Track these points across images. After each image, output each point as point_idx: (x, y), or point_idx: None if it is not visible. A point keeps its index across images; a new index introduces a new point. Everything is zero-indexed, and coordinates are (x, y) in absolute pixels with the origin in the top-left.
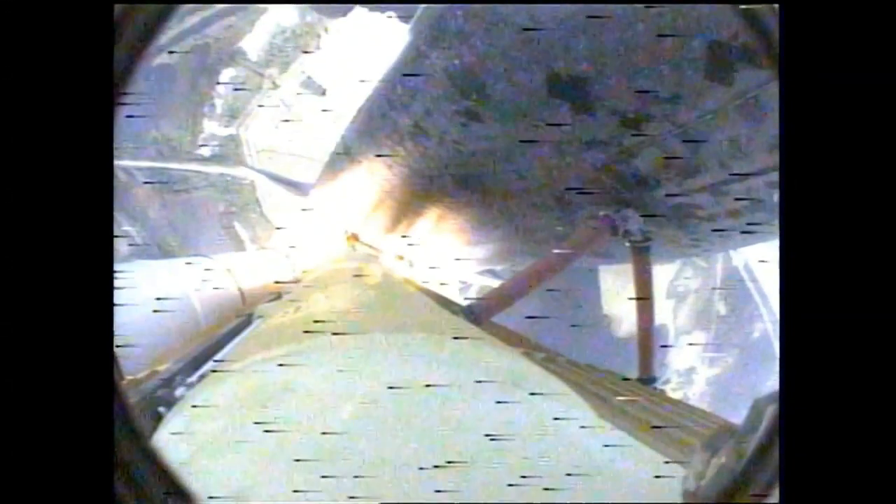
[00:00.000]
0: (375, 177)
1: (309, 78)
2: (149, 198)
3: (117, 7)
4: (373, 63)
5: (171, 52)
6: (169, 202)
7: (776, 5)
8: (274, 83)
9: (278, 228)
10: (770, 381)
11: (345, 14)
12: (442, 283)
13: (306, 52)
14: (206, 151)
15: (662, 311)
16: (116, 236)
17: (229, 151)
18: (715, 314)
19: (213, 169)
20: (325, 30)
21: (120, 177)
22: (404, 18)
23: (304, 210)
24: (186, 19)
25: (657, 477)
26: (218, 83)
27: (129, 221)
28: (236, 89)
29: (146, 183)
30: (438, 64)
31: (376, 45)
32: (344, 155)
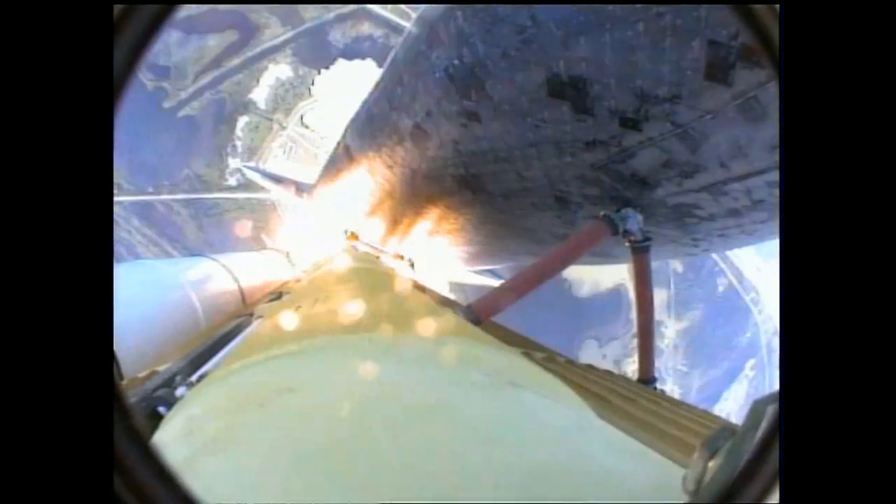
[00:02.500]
0: (375, 177)
1: (306, 122)
2: (186, 223)
3: (117, 7)
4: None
5: (193, 106)
6: (205, 225)
7: (776, 5)
8: (281, 125)
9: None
10: (747, 333)
11: (328, 66)
12: (442, 283)
13: (303, 100)
14: (232, 182)
15: (618, 271)
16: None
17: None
18: (671, 272)
19: (241, 195)
20: (312, 81)
21: (159, 209)
22: (381, 63)
23: (304, 211)
24: (201, 78)
25: (657, 477)
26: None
27: (170, 244)
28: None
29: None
30: (438, 64)
31: (357, 87)
32: (344, 155)
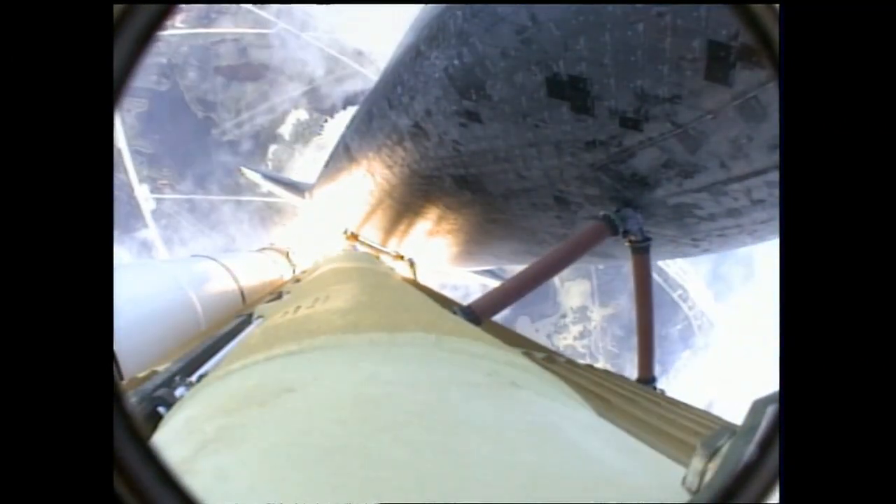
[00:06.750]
0: (375, 176)
1: (319, 150)
2: (230, 217)
3: (117, 7)
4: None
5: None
6: (242, 219)
7: (776, 5)
8: (301, 153)
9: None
10: (678, 325)
11: (332, 116)
12: (441, 283)
13: (316, 135)
14: (264, 189)
15: None
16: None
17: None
18: (592, 267)
19: (270, 199)
20: (325, 121)
21: (204, 206)
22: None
23: (304, 211)
24: (241, 113)
25: (657, 476)
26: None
27: (213, 232)
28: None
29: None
30: (438, 64)
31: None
32: (343, 154)
